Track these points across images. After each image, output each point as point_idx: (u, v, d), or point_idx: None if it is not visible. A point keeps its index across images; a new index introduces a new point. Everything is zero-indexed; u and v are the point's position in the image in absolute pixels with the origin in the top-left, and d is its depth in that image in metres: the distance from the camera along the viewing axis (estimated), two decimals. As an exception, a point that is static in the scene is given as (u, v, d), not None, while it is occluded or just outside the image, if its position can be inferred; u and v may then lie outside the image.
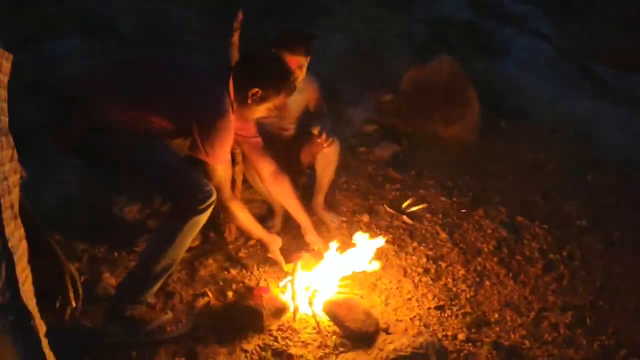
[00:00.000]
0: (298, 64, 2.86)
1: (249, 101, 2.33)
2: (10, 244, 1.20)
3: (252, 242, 3.03)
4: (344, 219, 3.29)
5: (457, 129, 4.31)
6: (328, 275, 2.61)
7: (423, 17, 5.92)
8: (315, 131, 2.95)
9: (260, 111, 2.41)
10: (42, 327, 1.31)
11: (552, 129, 4.64)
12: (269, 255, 2.77)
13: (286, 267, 2.71)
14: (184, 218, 2.19)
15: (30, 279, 1.32)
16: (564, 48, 6.16)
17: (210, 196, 2.21)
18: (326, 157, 3.10)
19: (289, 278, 2.57)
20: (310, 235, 2.76)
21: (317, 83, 3.17)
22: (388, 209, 3.40)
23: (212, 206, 2.24)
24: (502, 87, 5.22)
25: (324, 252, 2.69)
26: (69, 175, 3.02)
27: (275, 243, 2.73)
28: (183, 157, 2.34)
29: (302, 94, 3.11)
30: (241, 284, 2.70)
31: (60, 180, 3.04)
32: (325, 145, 2.89)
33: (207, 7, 4.97)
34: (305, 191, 3.41)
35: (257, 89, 2.30)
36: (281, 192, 2.71)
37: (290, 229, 3.08)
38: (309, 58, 2.92)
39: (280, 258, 2.75)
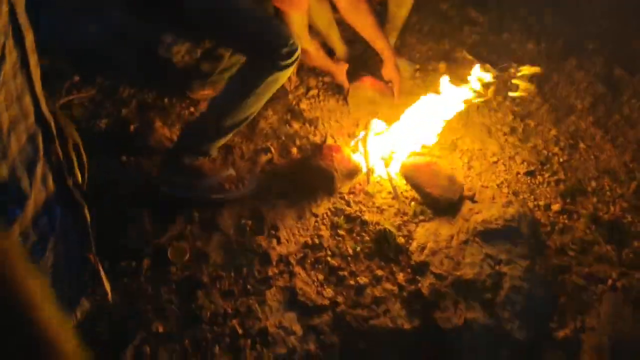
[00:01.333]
0: None
1: None
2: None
3: (313, 92, 2.69)
4: (418, 66, 2.88)
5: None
6: (406, 134, 2.29)
7: None
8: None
9: None
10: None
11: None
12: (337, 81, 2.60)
13: (359, 127, 2.40)
14: (266, 72, 1.87)
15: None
16: None
17: (295, 50, 1.86)
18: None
19: (361, 135, 2.27)
20: (390, 69, 2.46)
21: None
22: (468, 56, 2.95)
23: (297, 63, 1.90)
24: None
25: (397, 94, 2.45)
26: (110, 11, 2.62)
27: (341, 69, 2.55)
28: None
29: None
30: (305, 140, 2.41)
31: (100, 19, 2.65)
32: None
33: None
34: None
35: None
36: (359, 20, 2.34)
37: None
38: None
39: (346, 83, 2.58)
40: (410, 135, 2.26)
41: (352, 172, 2.21)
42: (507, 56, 3.00)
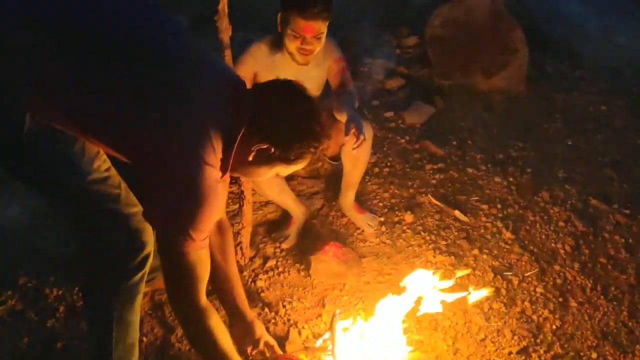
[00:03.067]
0: (315, 32, 2.12)
1: (250, 157, 1.44)
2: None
3: (271, 264, 2.41)
4: (382, 219, 2.64)
5: (501, 80, 3.56)
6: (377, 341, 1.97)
7: None
8: (343, 119, 2.23)
9: (259, 174, 1.55)
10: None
11: (609, 70, 3.88)
12: None
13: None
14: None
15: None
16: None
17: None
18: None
19: (326, 335, 1.95)
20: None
21: (338, 50, 2.40)
22: (434, 201, 2.74)
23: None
24: (540, 15, 4.41)
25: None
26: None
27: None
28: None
29: (321, 67, 2.37)
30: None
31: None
32: (355, 145, 2.14)
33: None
34: (331, 185, 2.76)
35: (268, 146, 1.42)
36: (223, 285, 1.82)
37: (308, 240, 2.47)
38: (327, 23, 2.16)
39: None
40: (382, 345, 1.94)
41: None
42: (475, 195, 2.81)
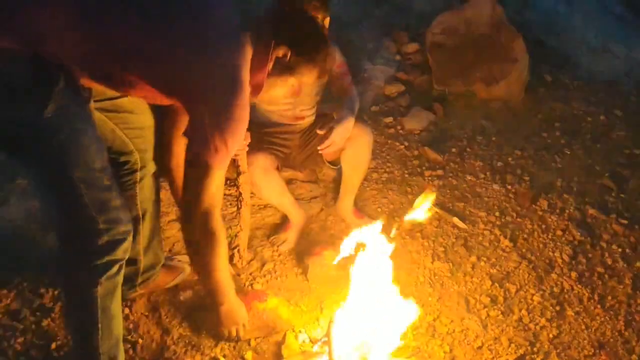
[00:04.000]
0: None
1: (269, 66, 1.59)
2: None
3: (269, 267, 2.40)
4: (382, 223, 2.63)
5: (500, 88, 3.56)
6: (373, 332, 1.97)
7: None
8: (321, 131, 2.25)
9: (278, 88, 1.68)
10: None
11: (608, 80, 3.90)
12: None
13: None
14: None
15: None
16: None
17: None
18: (356, 152, 2.41)
19: (324, 338, 1.95)
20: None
21: (339, 55, 2.42)
22: (433, 208, 2.73)
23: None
24: (540, 25, 4.42)
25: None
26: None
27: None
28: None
29: (322, 71, 2.36)
30: (260, 338, 2.07)
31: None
32: (321, 146, 2.19)
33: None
34: (330, 189, 2.76)
35: (287, 50, 1.59)
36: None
37: (306, 244, 2.47)
38: (328, 19, 2.17)
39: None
40: (378, 333, 1.94)
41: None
42: (473, 202, 2.82)
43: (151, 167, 1.86)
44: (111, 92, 1.59)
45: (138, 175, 1.81)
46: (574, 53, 4.12)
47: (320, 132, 2.24)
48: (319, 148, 2.22)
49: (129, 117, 1.71)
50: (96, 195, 1.48)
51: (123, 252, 1.58)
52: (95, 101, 1.55)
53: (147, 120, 1.78)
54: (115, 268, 1.58)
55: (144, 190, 1.86)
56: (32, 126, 1.37)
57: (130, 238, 1.58)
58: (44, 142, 1.39)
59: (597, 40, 4.31)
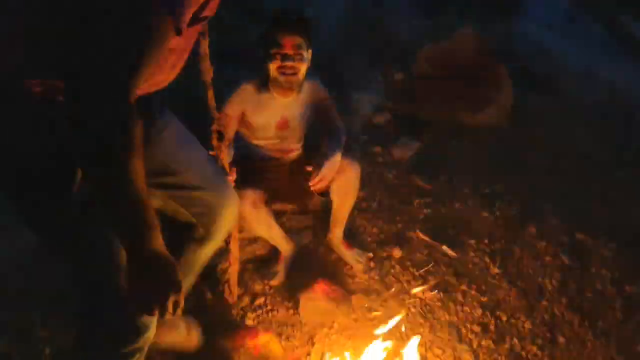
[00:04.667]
0: (294, 44, 2.16)
1: None
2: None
3: (260, 301, 2.39)
4: (371, 255, 2.64)
5: (486, 115, 3.62)
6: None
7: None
8: (310, 168, 2.28)
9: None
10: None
11: (595, 105, 3.96)
12: None
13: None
14: None
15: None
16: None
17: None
18: (344, 184, 2.42)
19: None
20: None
21: (324, 90, 2.46)
22: (422, 236, 2.75)
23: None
24: (525, 53, 4.52)
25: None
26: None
27: None
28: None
29: (307, 106, 2.41)
30: (255, 373, 2.07)
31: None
32: (311, 184, 2.22)
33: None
34: (320, 220, 2.77)
35: None
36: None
37: (297, 277, 2.46)
38: (306, 41, 2.21)
39: None
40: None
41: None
42: (462, 229, 2.84)
43: None
44: None
45: None
46: (560, 79, 4.19)
47: (309, 169, 2.26)
48: (310, 184, 2.23)
49: None
50: None
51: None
52: None
53: None
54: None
55: None
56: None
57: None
58: None
59: (581, 66, 4.40)
